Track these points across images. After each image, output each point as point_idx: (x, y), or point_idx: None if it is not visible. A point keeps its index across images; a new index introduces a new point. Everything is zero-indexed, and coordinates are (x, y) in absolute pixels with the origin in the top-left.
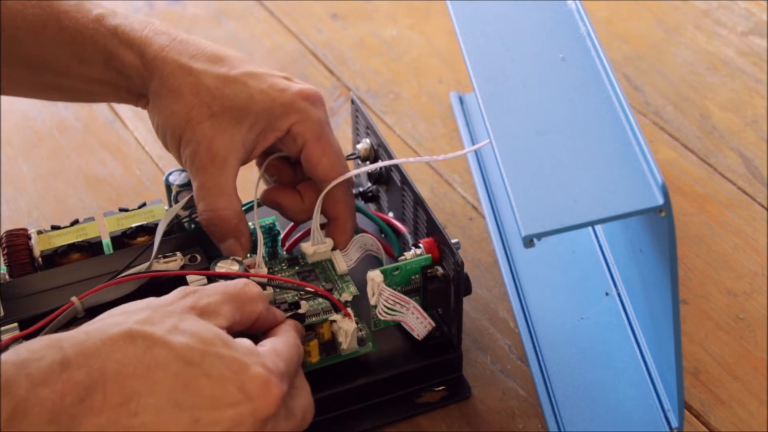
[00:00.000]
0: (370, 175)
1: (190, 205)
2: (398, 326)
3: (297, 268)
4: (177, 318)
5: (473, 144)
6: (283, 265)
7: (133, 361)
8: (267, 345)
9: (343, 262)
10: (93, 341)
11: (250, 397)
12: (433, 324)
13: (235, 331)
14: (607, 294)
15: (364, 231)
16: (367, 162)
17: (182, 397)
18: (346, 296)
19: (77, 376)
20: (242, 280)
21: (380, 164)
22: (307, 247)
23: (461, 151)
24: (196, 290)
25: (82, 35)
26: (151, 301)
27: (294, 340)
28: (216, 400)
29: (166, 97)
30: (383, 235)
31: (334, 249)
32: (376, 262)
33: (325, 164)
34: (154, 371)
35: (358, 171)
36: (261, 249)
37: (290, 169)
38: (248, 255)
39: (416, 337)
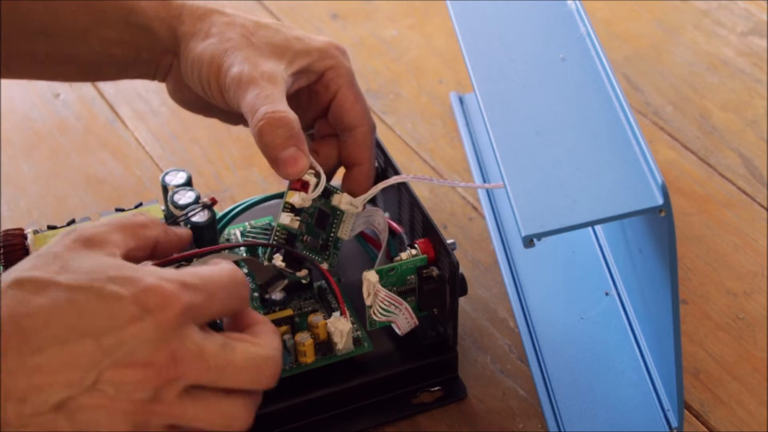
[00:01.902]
0: None
1: (186, 205)
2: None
3: (323, 201)
4: (63, 259)
5: (473, 144)
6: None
7: (24, 302)
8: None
9: (349, 229)
10: None
11: (148, 309)
12: (417, 323)
13: (139, 260)
14: (607, 294)
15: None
16: None
17: (80, 323)
18: (324, 265)
19: None
20: (132, 212)
21: (405, 178)
22: (344, 197)
23: (474, 184)
24: (80, 225)
25: None
26: (39, 250)
27: (225, 266)
28: (114, 320)
29: (199, 34)
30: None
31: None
32: (370, 262)
33: (358, 110)
34: (46, 307)
35: (391, 182)
36: (323, 180)
37: None
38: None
39: (399, 333)
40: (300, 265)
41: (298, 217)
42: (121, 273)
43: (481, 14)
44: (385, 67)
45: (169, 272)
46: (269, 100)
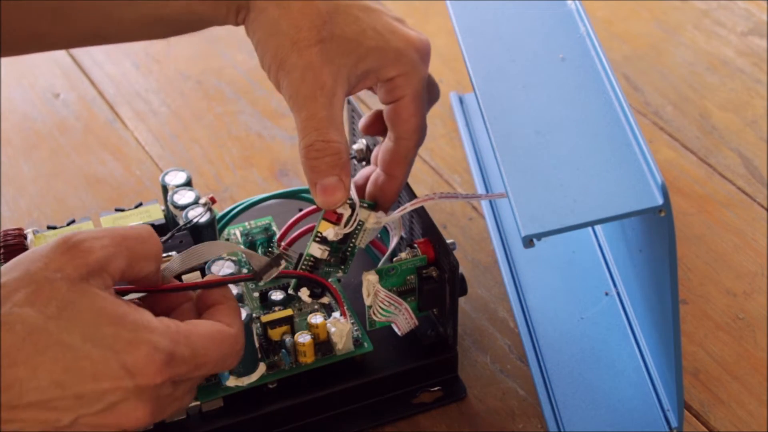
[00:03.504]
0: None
1: (186, 204)
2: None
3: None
4: (60, 298)
5: (473, 144)
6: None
7: (12, 350)
8: (183, 326)
9: (367, 240)
10: None
11: (132, 374)
12: (417, 323)
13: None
14: (607, 294)
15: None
16: (363, 163)
17: (64, 378)
18: (339, 273)
19: None
20: (145, 229)
21: (433, 198)
22: (371, 216)
23: (476, 194)
24: (83, 240)
25: None
26: (30, 264)
27: (224, 336)
28: (98, 377)
29: (272, 11)
30: (379, 236)
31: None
32: (370, 263)
33: (413, 124)
34: (33, 358)
35: (418, 203)
36: (357, 212)
37: None
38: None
39: (399, 333)
40: (323, 291)
41: (328, 248)
42: (117, 331)
43: (481, 14)
44: None
45: (164, 337)
46: (324, 123)
